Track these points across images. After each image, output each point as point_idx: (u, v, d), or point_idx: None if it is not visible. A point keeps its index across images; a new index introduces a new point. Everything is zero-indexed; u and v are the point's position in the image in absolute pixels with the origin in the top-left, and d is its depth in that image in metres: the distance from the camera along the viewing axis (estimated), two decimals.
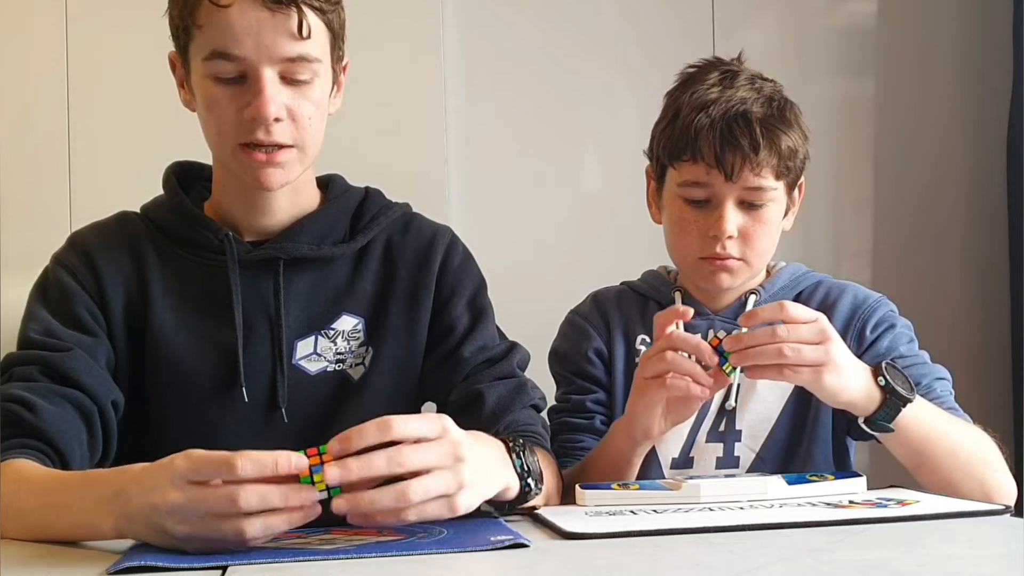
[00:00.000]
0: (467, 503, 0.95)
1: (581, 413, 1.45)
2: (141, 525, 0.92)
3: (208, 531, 0.89)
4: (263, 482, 0.88)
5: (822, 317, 1.20)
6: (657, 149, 1.44)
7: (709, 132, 1.35)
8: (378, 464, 0.90)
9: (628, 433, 1.28)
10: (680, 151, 1.38)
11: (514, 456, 1.06)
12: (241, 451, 0.88)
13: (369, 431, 0.91)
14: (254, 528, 0.88)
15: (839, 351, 1.19)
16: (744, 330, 1.22)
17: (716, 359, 1.20)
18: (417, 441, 0.93)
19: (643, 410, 1.25)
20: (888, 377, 1.21)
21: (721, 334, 1.20)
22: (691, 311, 1.24)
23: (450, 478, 0.93)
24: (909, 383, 1.24)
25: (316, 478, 0.89)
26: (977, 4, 2.23)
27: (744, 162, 1.34)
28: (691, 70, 1.45)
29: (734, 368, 1.20)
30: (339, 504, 0.89)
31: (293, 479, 0.89)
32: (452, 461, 0.94)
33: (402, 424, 0.92)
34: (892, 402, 1.21)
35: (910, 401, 1.21)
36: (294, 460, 0.89)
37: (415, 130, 2.05)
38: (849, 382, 1.20)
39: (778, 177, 1.38)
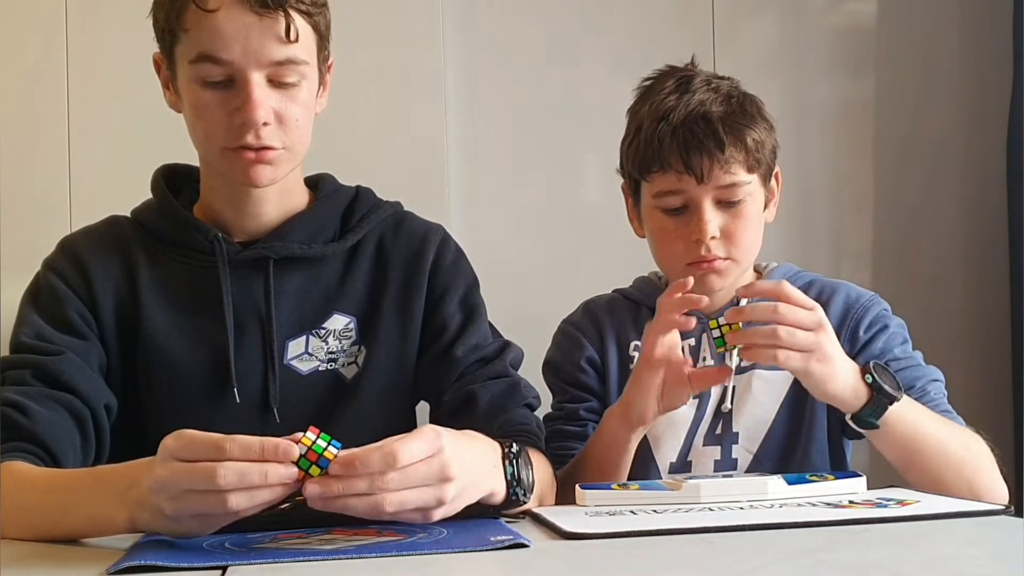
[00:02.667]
0: (442, 515, 0.96)
1: (575, 421, 1.45)
2: (148, 512, 0.93)
3: (195, 506, 0.90)
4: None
5: (819, 307, 1.22)
6: (627, 165, 1.44)
7: (672, 140, 1.36)
8: (360, 488, 0.90)
9: (624, 418, 1.29)
10: (648, 163, 1.38)
11: (507, 463, 1.05)
12: (230, 436, 0.89)
13: (373, 462, 0.90)
14: (237, 501, 0.88)
15: (830, 342, 1.21)
16: (744, 302, 1.24)
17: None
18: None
19: (641, 394, 1.27)
20: (875, 375, 1.23)
21: (722, 320, 1.22)
22: (691, 280, 1.26)
23: (431, 495, 0.94)
24: (897, 382, 1.25)
25: (313, 471, 0.90)
26: (977, 4, 2.23)
27: (712, 162, 1.35)
28: (647, 82, 1.46)
29: (730, 350, 1.22)
30: (311, 491, 0.89)
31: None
32: (438, 480, 0.93)
33: (406, 453, 0.91)
34: (879, 399, 1.23)
35: (897, 399, 1.23)
36: (281, 447, 0.89)
37: (415, 130, 2.05)
38: (836, 373, 1.21)
39: (750, 171, 1.38)
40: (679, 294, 1.26)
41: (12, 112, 1.95)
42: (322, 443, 0.90)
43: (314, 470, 0.90)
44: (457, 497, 0.96)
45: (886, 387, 1.23)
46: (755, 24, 2.20)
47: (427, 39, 2.06)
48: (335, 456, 0.90)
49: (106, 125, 1.97)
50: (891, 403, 1.23)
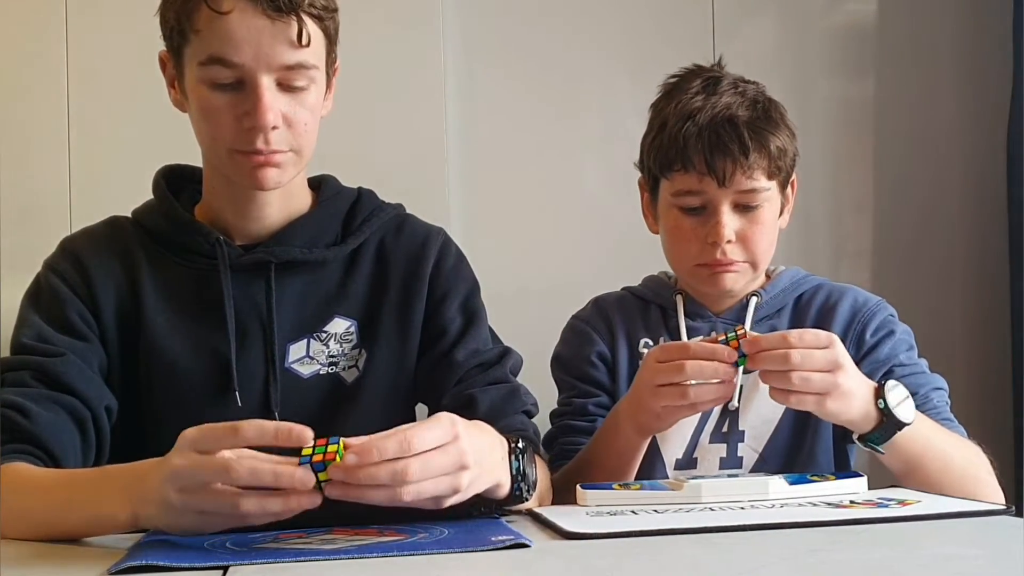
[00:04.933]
0: (454, 502, 0.97)
1: (583, 416, 1.45)
2: (154, 506, 0.93)
3: (204, 502, 0.90)
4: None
5: (836, 342, 1.19)
6: (648, 161, 1.44)
7: (697, 140, 1.36)
8: (382, 478, 0.90)
9: (642, 434, 1.29)
10: (671, 161, 1.38)
11: (513, 458, 1.05)
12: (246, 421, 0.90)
13: (389, 448, 0.90)
14: (249, 504, 0.89)
15: (848, 379, 1.18)
16: (753, 302, 1.29)
17: (735, 357, 1.18)
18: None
19: (665, 425, 1.26)
20: (888, 401, 1.21)
21: (740, 331, 1.20)
22: (735, 355, 1.18)
23: (447, 484, 0.94)
24: (910, 400, 1.23)
25: (321, 476, 0.89)
26: (977, 4, 2.23)
27: (735, 167, 1.35)
28: (673, 80, 1.46)
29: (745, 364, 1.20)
30: (335, 476, 0.90)
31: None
32: (455, 469, 0.94)
33: (421, 439, 0.92)
34: (888, 425, 1.21)
35: (906, 425, 1.21)
36: (295, 432, 0.89)
37: (415, 130, 2.05)
38: (851, 407, 1.20)
39: (770, 177, 1.38)
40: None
41: (12, 112, 1.95)
42: (318, 454, 0.90)
43: (321, 475, 0.90)
44: (470, 485, 0.96)
45: (896, 414, 1.20)
46: (755, 24, 2.20)
47: (427, 39, 2.06)
48: (338, 449, 0.90)
49: (106, 125, 1.97)
50: (899, 429, 1.21)
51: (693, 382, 1.19)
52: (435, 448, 0.93)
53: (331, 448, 0.90)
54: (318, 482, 0.90)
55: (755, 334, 1.20)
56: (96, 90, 1.97)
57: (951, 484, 1.24)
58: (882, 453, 1.23)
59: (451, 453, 0.94)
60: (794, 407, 1.21)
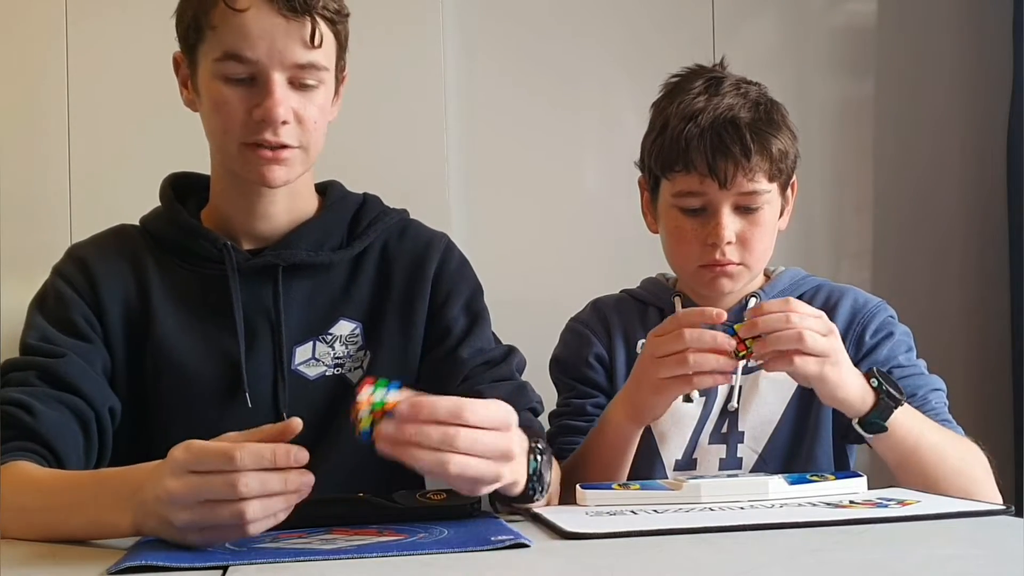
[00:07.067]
0: (485, 492, 0.99)
1: (581, 416, 1.45)
2: (154, 519, 0.93)
3: (208, 517, 0.89)
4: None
5: (824, 314, 1.22)
6: (649, 161, 1.44)
7: (700, 142, 1.35)
8: (431, 438, 0.92)
9: (635, 419, 1.29)
10: (672, 162, 1.38)
11: (532, 458, 1.06)
12: (239, 443, 0.89)
13: (441, 410, 0.93)
14: (253, 510, 0.89)
15: (841, 346, 1.22)
16: (752, 302, 1.27)
17: (734, 346, 1.19)
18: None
19: (662, 404, 1.27)
20: (880, 378, 1.24)
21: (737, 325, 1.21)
22: (724, 314, 1.22)
23: (491, 470, 0.96)
24: (899, 388, 1.26)
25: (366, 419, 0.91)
26: (977, 4, 2.23)
27: (737, 168, 1.35)
28: (675, 79, 1.45)
29: (746, 356, 1.20)
30: (386, 430, 0.92)
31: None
32: (501, 456, 0.96)
33: (473, 413, 0.94)
34: (885, 403, 1.23)
35: (902, 403, 1.24)
36: (293, 453, 0.89)
37: (415, 131, 2.05)
38: (846, 378, 1.22)
39: (771, 179, 1.38)
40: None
41: (12, 113, 1.95)
42: (379, 395, 0.91)
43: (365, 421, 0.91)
44: (509, 478, 0.99)
45: (892, 390, 1.23)
46: (755, 24, 2.20)
47: (427, 39, 2.06)
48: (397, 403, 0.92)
49: (106, 126, 1.96)
50: (897, 406, 1.23)
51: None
52: (489, 429, 0.95)
53: (390, 397, 0.92)
54: (373, 424, 0.91)
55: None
56: (96, 91, 1.97)
57: (946, 478, 1.25)
58: (885, 429, 1.23)
59: (503, 439, 0.96)
60: (797, 370, 1.20)
